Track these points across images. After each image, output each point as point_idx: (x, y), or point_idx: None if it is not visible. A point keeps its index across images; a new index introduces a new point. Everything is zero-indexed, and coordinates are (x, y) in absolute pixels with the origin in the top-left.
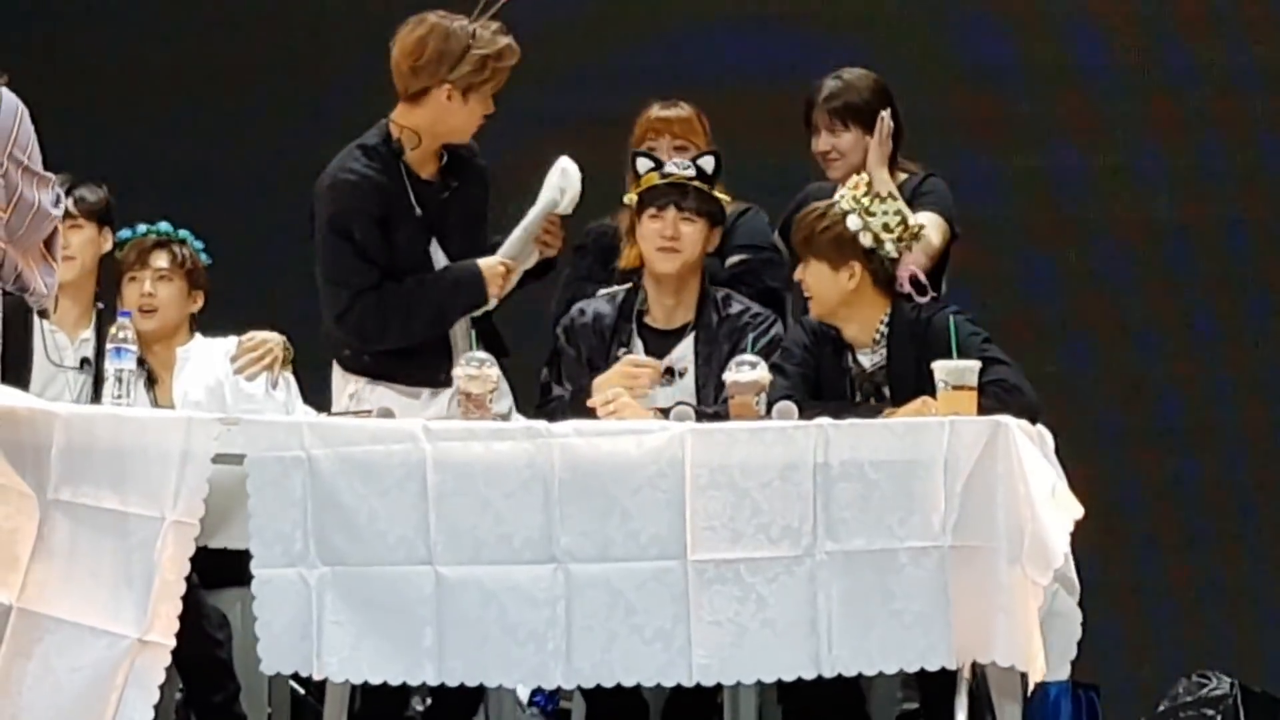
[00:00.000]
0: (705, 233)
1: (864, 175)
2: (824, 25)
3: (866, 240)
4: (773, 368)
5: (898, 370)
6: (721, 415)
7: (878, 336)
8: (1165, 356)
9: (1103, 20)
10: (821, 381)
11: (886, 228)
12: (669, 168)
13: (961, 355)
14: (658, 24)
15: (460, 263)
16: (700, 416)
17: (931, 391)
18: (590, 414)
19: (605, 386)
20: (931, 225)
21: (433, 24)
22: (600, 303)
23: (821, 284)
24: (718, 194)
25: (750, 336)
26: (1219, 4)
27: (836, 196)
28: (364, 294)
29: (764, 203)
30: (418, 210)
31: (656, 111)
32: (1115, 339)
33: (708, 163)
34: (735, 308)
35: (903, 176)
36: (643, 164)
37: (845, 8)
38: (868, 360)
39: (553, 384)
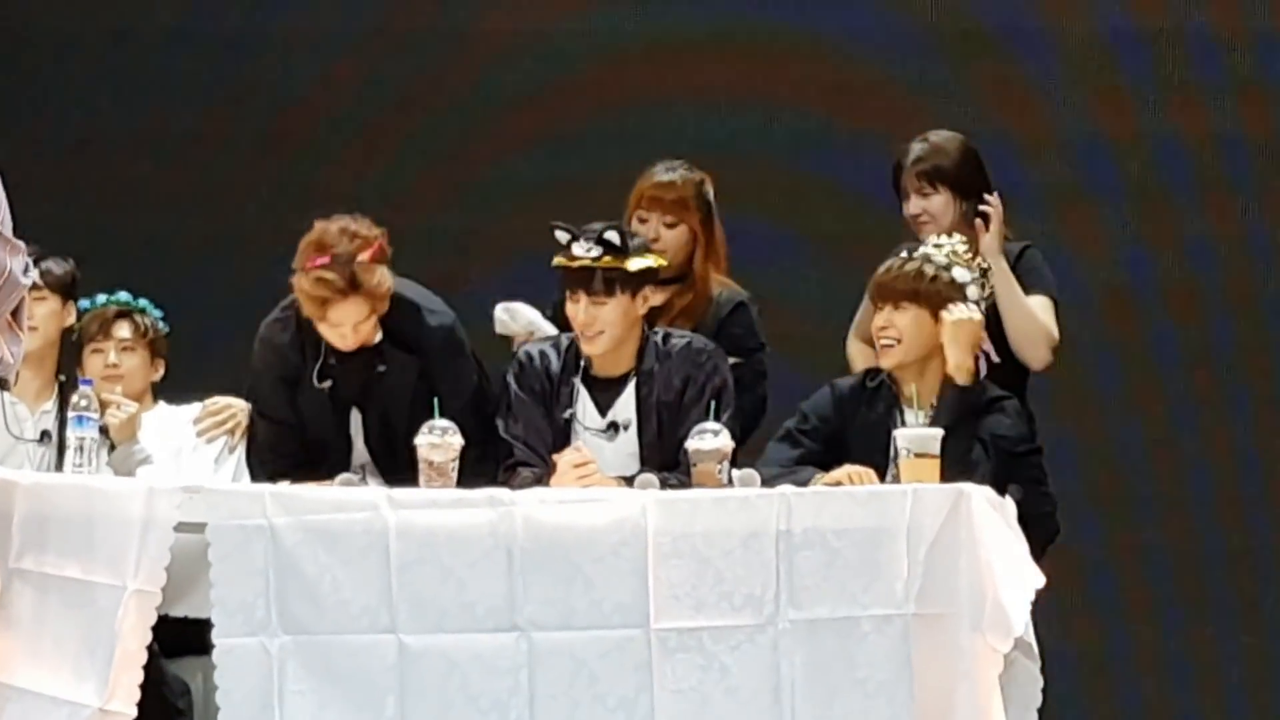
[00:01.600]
0: (627, 304)
1: (957, 236)
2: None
3: (973, 294)
4: (784, 436)
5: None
6: (684, 483)
7: (935, 400)
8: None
9: None
10: (852, 441)
11: (982, 285)
12: (574, 248)
13: (1006, 462)
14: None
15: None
16: (663, 485)
17: (963, 472)
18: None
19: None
20: (1049, 316)
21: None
22: (548, 348)
23: (920, 331)
24: (636, 262)
25: (712, 404)
26: None
27: (929, 250)
28: (267, 458)
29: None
30: (318, 383)
31: (653, 181)
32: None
33: (613, 236)
34: (676, 344)
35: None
36: (561, 236)
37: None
38: (914, 421)
39: (508, 434)
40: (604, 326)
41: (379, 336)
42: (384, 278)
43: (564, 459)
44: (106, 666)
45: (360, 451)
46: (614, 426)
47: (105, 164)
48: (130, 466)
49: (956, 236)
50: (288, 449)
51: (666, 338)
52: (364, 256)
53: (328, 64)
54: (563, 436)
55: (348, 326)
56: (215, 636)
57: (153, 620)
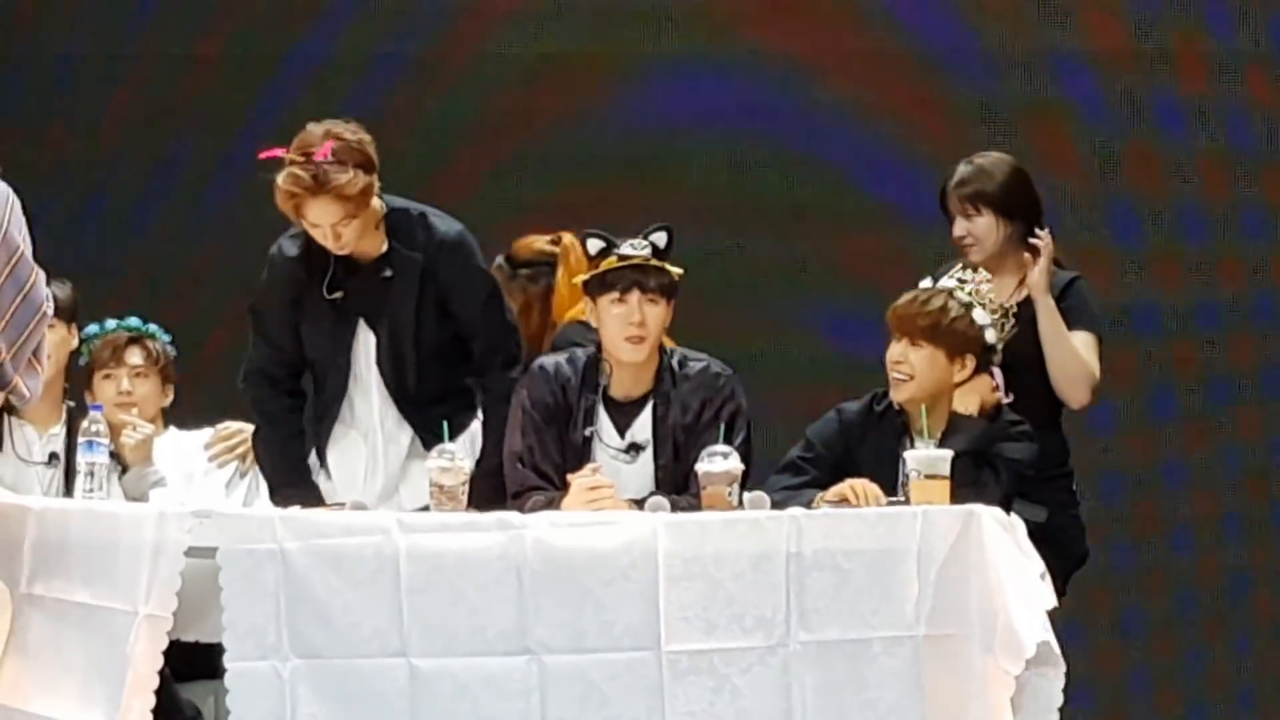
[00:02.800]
0: (665, 311)
1: (983, 272)
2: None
3: (991, 337)
4: (787, 465)
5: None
6: (695, 506)
7: (943, 432)
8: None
9: None
10: (860, 467)
11: (1003, 327)
12: (625, 249)
13: (1022, 484)
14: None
15: (299, 486)
16: (674, 508)
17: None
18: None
19: (570, 509)
20: (1093, 355)
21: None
22: (563, 362)
23: (933, 370)
24: (671, 269)
25: (722, 426)
26: None
27: (951, 284)
28: (256, 380)
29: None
30: (328, 294)
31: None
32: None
33: (661, 238)
34: (692, 367)
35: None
36: (594, 245)
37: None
38: (923, 448)
39: (514, 451)
40: (651, 330)
41: (385, 245)
42: (356, 179)
43: (578, 481)
44: (118, 691)
45: (361, 374)
46: (634, 448)
47: (109, 187)
48: (143, 489)
49: (983, 273)
50: (281, 374)
51: (683, 361)
52: (320, 154)
53: (334, 88)
54: (578, 455)
55: (326, 227)
56: (227, 660)
57: (164, 645)
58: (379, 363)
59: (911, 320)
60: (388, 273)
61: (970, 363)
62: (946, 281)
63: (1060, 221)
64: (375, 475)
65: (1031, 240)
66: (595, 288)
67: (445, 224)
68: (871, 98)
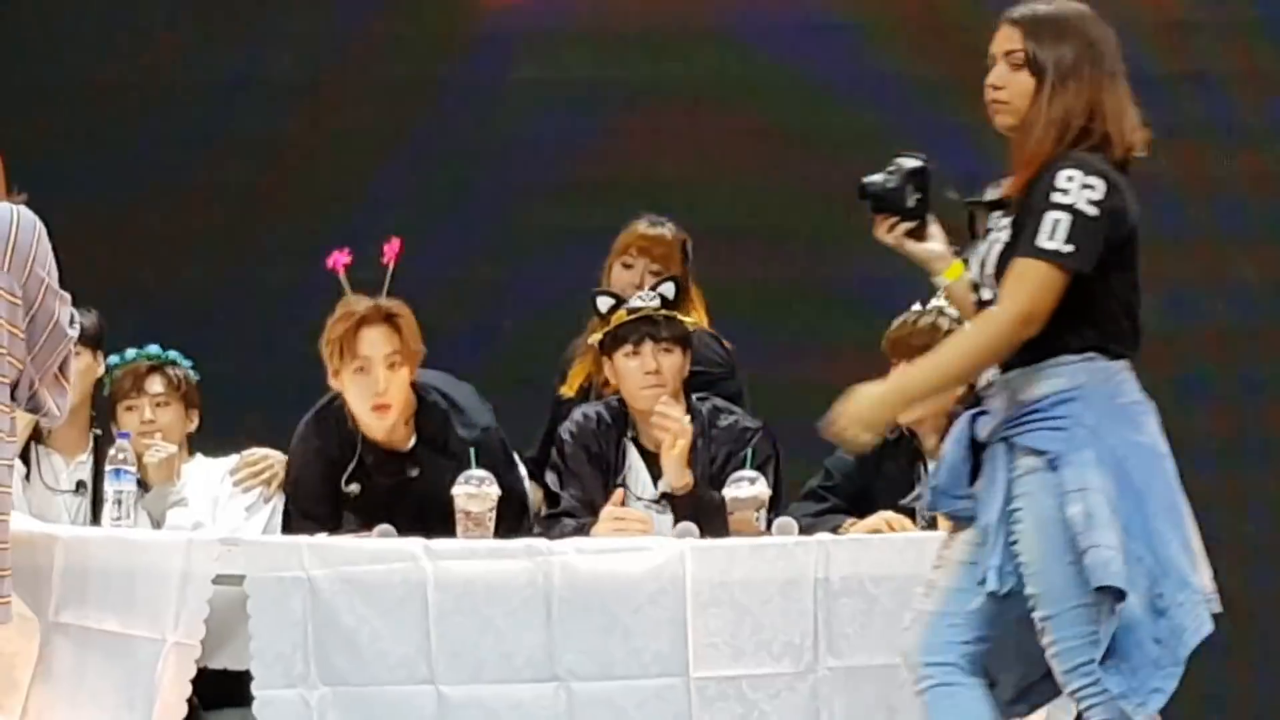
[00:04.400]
0: (682, 359)
1: None
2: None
3: None
4: (809, 494)
5: None
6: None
7: None
8: None
9: None
10: (877, 494)
11: None
12: (633, 302)
13: None
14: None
15: None
16: (702, 533)
17: None
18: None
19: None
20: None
21: None
22: (602, 409)
23: None
24: (683, 318)
25: (749, 451)
26: None
27: (941, 303)
28: None
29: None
30: (345, 488)
31: (643, 229)
32: None
33: (669, 289)
34: (724, 421)
35: None
36: (604, 303)
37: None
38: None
39: (559, 493)
40: (669, 377)
41: (412, 441)
42: (414, 327)
43: (607, 510)
44: (146, 719)
45: None
46: (666, 497)
47: (130, 213)
48: (164, 508)
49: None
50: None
51: (715, 412)
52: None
53: (363, 112)
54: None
55: (378, 367)
56: (255, 688)
57: (192, 673)
58: None
59: (905, 343)
60: (413, 472)
61: None
62: (935, 301)
63: None
64: None
65: None
66: (609, 344)
67: (469, 431)
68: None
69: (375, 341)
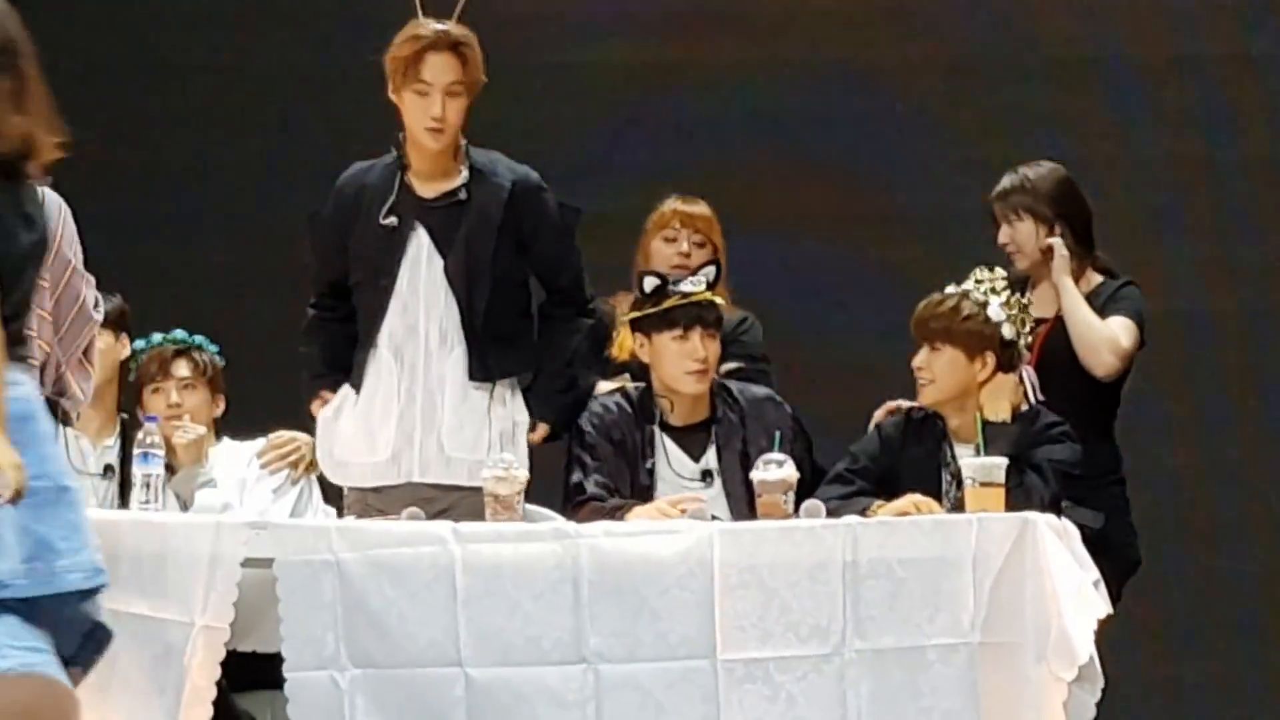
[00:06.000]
0: (718, 346)
1: (999, 270)
2: None
3: (1008, 332)
4: (835, 478)
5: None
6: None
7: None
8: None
9: None
10: (903, 477)
11: (1022, 322)
12: (685, 286)
13: (1069, 486)
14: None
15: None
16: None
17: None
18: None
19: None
20: (1122, 329)
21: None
22: (620, 399)
23: (953, 371)
24: (719, 300)
25: (777, 434)
26: None
27: (969, 285)
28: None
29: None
30: (392, 219)
31: (680, 204)
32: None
33: (711, 273)
34: (749, 392)
35: (1097, 280)
36: (650, 282)
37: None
38: (963, 454)
39: (583, 482)
40: (712, 363)
41: (463, 174)
42: (478, 55)
43: (654, 505)
44: (176, 702)
45: (405, 299)
46: (707, 474)
47: (155, 196)
48: (191, 490)
49: (998, 271)
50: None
51: (738, 388)
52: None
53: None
54: (642, 490)
55: (436, 94)
56: (286, 670)
57: (221, 656)
58: (451, 283)
59: (927, 324)
60: (463, 195)
61: (990, 359)
62: (966, 284)
63: (1109, 229)
64: (413, 402)
65: (1047, 240)
66: (654, 324)
67: (522, 168)
68: (928, 105)
69: (439, 69)
